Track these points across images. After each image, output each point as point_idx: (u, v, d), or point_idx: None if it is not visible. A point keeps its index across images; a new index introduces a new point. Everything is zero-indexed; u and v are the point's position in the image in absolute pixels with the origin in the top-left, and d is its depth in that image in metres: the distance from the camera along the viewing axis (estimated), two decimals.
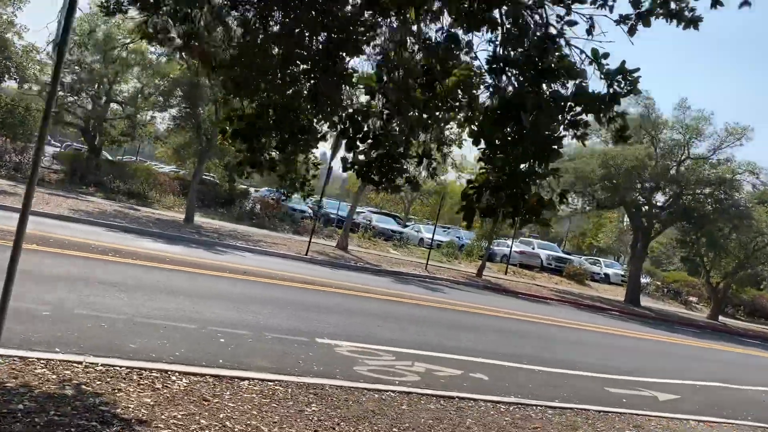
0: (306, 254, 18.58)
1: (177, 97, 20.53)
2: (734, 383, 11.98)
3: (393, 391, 6.42)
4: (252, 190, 33.40)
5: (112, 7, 4.78)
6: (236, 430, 4.59)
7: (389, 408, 5.88)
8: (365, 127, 4.19)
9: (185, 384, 5.33)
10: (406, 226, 35.10)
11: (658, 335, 18.19)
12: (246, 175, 4.79)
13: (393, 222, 33.77)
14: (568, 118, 3.53)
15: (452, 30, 4.08)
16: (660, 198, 28.35)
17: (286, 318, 9.24)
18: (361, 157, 4.34)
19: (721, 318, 30.40)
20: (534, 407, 7.04)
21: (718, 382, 11.67)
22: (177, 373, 5.54)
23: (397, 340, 9.17)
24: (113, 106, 25.11)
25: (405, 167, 4.40)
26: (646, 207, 27.33)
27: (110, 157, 36.88)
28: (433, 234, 26.01)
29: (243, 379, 5.80)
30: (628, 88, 3.49)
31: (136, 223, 17.28)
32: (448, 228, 36.62)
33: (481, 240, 24.63)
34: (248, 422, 4.78)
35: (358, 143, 4.22)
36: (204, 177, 34.46)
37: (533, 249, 34.74)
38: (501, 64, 3.76)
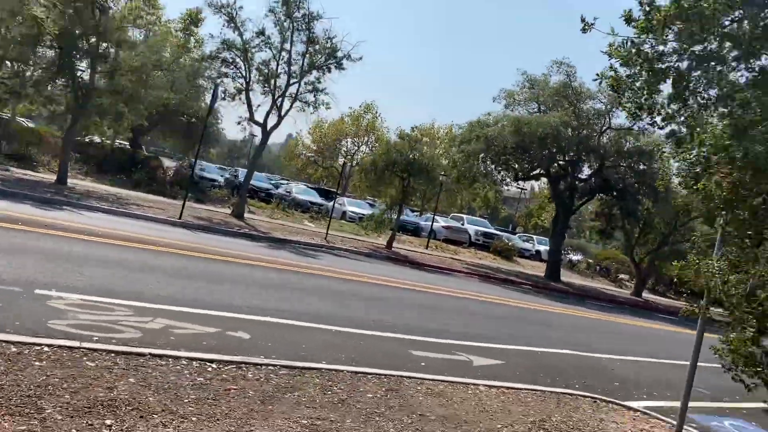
0: (179, 218, 17.13)
1: (44, 44, 18.72)
2: (595, 352, 11.02)
3: (51, 345, 5.10)
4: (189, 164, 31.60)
5: None
6: None
7: (13, 364, 4.58)
8: None
9: None
10: (331, 200, 33.69)
11: (550, 306, 17.24)
12: None
13: (315, 194, 32.38)
14: None
15: None
16: (586, 171, 27.45)
17: (26, 268, 7.81)
18: None
19: (647, 295, 29.86)
20: (264, 366, 5.80)
21: (573, 350, 10.66)
22: None
23: (159, 296, 7.79)
24: None
25: None
26: (568, 179, 26.40)
27: (32, 124, 34.66)
28: (333, 204, 24.86)
29: None
30: None
31: None
32: (375, 202, 35.34)
33: (390, 210, 23.41)
34: None
35: None
36: (119, 143, 32.61)
37: (462, 224, 33.76)
38: None
